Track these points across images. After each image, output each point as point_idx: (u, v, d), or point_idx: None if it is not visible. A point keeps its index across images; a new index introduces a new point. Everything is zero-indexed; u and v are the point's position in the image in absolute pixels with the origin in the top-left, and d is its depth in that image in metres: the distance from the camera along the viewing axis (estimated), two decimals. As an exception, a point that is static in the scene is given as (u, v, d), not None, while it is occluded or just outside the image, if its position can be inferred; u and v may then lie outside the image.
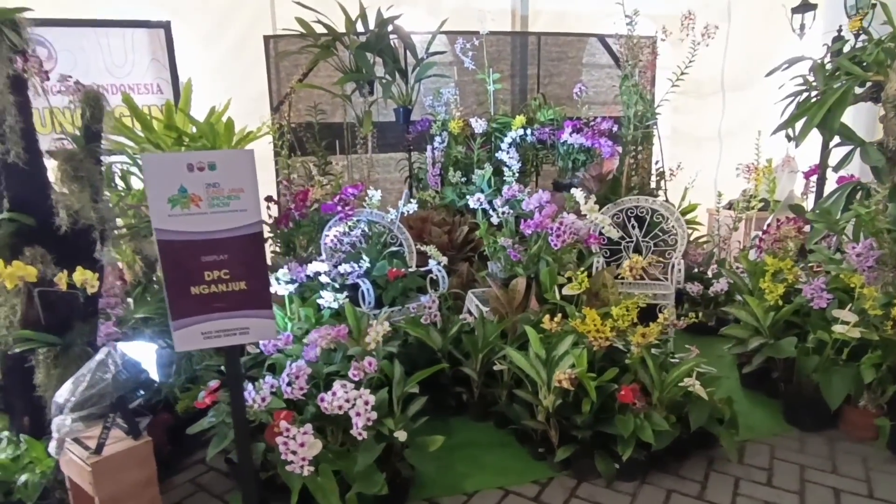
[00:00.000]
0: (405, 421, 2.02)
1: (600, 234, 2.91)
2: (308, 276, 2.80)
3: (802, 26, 4.53)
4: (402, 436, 1.93)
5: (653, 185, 4.82)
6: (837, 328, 2.29)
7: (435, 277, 3.24)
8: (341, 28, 4.19)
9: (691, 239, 4.58)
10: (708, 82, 5.75)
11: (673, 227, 3.68)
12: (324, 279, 2.70)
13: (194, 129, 3.55)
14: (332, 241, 2.97)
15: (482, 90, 4.62)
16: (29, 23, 2.18)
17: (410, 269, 3.21)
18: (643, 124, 4.63)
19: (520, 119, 4.35)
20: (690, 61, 4.39)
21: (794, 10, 3.78)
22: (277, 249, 3.62)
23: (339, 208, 3.34)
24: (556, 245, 2.69)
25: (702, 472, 2.15)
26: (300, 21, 4.26)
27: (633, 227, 3.79)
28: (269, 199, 3.67)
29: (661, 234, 3.72)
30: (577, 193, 3.02)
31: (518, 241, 2.92)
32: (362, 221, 3.19)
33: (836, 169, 2.54)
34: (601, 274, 2.85)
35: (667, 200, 4.94)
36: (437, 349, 2.60)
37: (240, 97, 4.67)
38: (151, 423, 1.99)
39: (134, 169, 3.32)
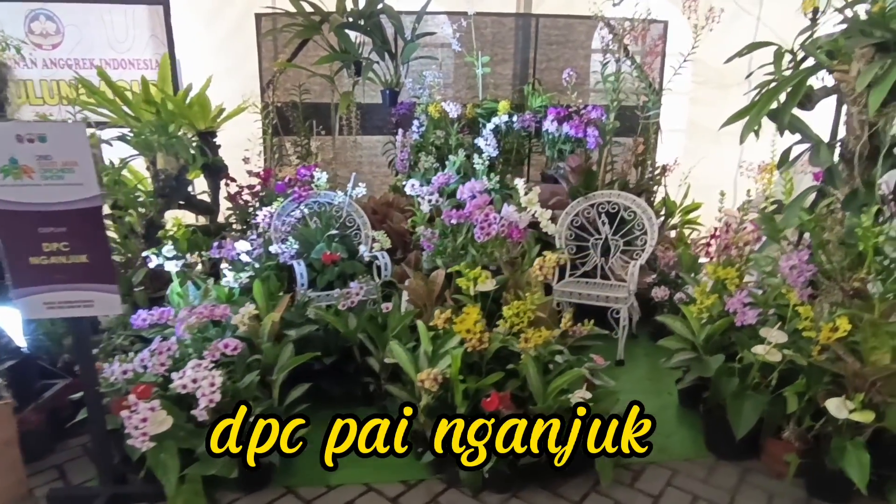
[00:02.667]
0: (269, 406, 1.99)
1: (537, 227, 2.73)
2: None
3: (816, 10, 4.04)
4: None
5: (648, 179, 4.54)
6: (757, 349, 2.04)
7: (379, 264, 3.19)
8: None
9: (691, 240, 4.26)
10: (731, 72, 5.28)
11: (644, 225, 3.42)
12: (244, 258, 2.70)
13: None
14: (264, 221, 2.97)
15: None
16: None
17: (363, 254, 3.17)
18: (644, 114, 4.34)
19: (504, 105, 4.17)
20: (694, 47, 4.04)
21: (807, -7, 3.38)
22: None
23: (296, 189, 3.35)
24: (479, 237, 2.56)
25: (582, 492, 1.99)
26: (292, 0, 4.27)
27: (604, 224, 3.55)
28: (227, 178, 3.70)
29: (634, 232, 3.48)
30: (519, 183, 2.86)
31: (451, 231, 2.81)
32: (303, 203, 3.17)
33: (780, 167, 2.24)
34: (522, 270, 2.68)
35: (666, 197, 4.63)
36: (348, 336, 2.55)
37: (238, 75, 4.78)
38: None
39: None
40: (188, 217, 4.04)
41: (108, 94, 3.57)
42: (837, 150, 2.19)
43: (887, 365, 1.86)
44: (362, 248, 3.21)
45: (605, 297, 3.10)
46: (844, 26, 2.08)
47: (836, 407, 1.83)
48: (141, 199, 3.36)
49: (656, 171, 4.48)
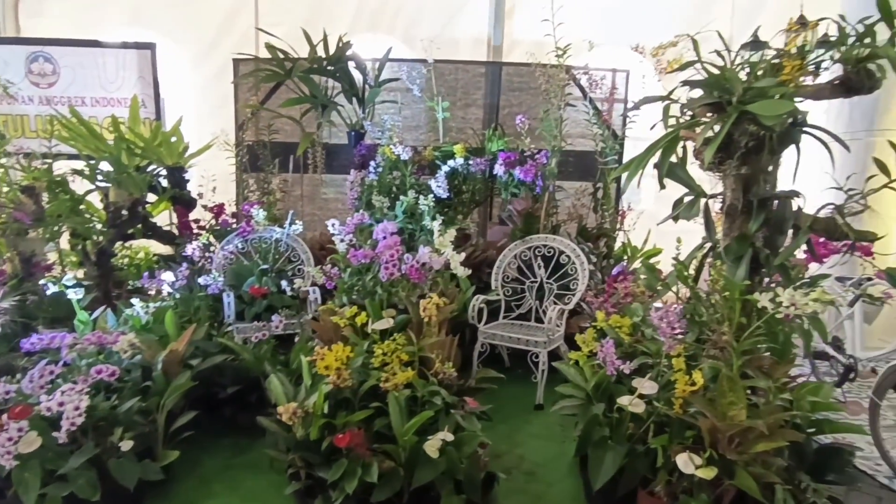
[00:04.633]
0: (133, 433, 2.06)
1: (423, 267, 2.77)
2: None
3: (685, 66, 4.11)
4: (125, 445, 1.99)
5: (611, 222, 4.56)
6: (622, 400, 2.04)
7: (312, 299, 3.28)
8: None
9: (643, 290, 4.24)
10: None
11: (577, 270, 3.45)
12: (166, 289, 2.84)
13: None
14: (193, 253, 3.11)
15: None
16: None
17: (301, 287, 3.28)
18: (603, 159, 4.41)
19: (459, 148, 4.30)
20: (644, 96, 4.12)
21: (744, 47, 3.45)
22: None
23: (243, 224, 3.51)
24: (384, 277, 2.64)
25: (438, 534, 1.98)
26: (268, 46, 4.54)
27: (539, 267, 3.59)
28: (180, 207, 3.89)
29: (569, 276, 3.50)
30: (435, 225, 2.94)
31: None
32: (236, 237, 3.31)
33: (675, 219, 2.27)
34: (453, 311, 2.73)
35: (627, 242, 4.64)
36: (252, 367, 2.63)
37: (221, 115, 5.08)
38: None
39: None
40: (159, 246, 4.27)
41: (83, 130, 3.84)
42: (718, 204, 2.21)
43: (741, 421, 1.83)
44: (297, 283, 3.32)
45: (526, 341, 3.11)
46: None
47: (684, 462, 1.81)
48: (97, 229, 3.57)
49: (616, 216, 4.52)
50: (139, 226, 3.74)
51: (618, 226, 4.55)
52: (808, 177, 2.22)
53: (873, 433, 2.56)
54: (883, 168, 1.83)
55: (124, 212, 3.48)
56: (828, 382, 3.17)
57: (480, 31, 5.31)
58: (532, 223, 3.79)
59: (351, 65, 4.50)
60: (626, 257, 4.49)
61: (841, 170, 2.31)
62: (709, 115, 1.89)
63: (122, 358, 2.30)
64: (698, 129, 1.84)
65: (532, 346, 3.09)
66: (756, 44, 1.99)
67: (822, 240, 2.59)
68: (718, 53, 1.91)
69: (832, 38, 1.79)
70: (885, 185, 1.85)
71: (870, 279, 2.96)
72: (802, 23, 2.03)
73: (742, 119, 1.76)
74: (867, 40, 1.71)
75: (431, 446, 1.90)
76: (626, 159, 4.73)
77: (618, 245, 4.55)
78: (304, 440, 2.06)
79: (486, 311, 3.31)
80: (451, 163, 4.22)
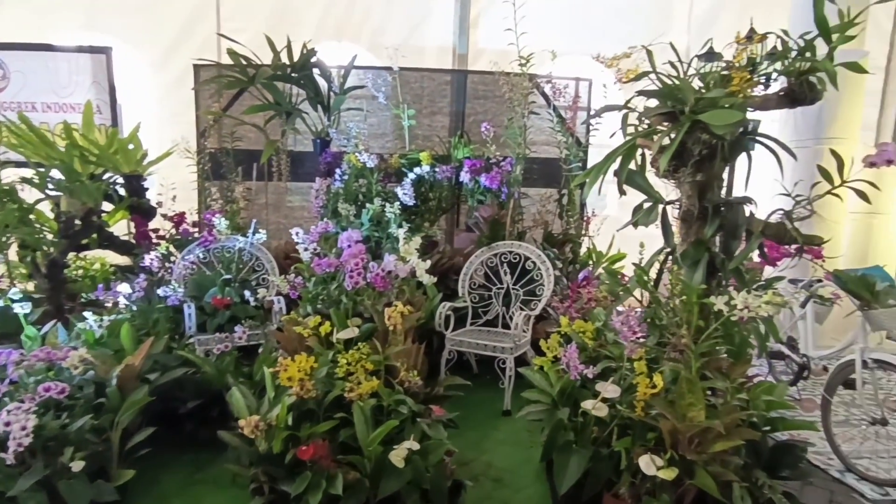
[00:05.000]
0: (84, 453, 1.98)
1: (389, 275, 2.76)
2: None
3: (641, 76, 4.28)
4: (76, 466, 1.90)
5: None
6: (586, 403, 2.07)
7: (277, 309, 3.22)
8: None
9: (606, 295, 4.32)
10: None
11: (542, 276, 3.49)
12: (122, 301, 2.74)
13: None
14: (151, 263, 3.02)
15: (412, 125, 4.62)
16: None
17: (265, 297, 3.21)
18: (567, 166, 4.49)
19: (425, 156, 4.31)
20: (605, 105, 4.22)
21: (698, 58, 3.56)
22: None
23: (205, 234, 3.43)
24: (349, 285, 2.62)
25: (406, 545, 1.97)
26: (230, 52, 4.46)
27: (505, 274, 3.62)
28: (138, 216, 3.78)
29: (535, 282, 3.54)
30: (400, 233, 2.94)
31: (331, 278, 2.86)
32: (198, 247, 3.24)
33: (635, 225, 2.32)
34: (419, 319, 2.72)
35: (591, 247, 4.72)
36: (213, 380, 2.56)
37: (182, 122, 4.95)
38: None
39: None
40: (116, 257, 4.13)
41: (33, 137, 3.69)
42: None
43: (701, 422, 1.88)
44: (261, 292, 3.25)
45: (493, 347, 3.12)
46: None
47: (646, 464, 1.84)
48: (47, 240, 3.42)
49: (581, 222, 4.60)
50: (94, 236, 3.61)
51: (583, 231, 4.63)
52: (760, 184, 2.32)
53: (825, 429, 2.66)
54: (826, 175, 1.92)
55: (77, 221, 3.35)
56: (784, 381, 3.29)
57: (446, 39, 5.35)
58: (498, 230, 3.82)
59: (316, 72, 4.46)
60: (591, 262, 4.57)
61: (790, 177, 2.42)
62: (664, 124, 1.95)
63: (73, 374, 2.20)
64: (655, 138, 1.89)
65: (499, 352, 3.10)
66: (710, 55, 2.06)
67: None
68: (672, 65, 1.97)
69: (778, 52, 1.88)
70: (828, 192, 1.93)
71: (819, 281, 3.09)
72: (749, 37, 2.12)
73: (695, 128, 1.83)
74: (808, 54, 1.80)
75: (397, 456, 1.89)
76: (589, 166, 4.85)
77: (583, 250, 4.63)
78: (267, 454, 2.01)
79: (453, 318, 3.31)
80: (417, 170, 4.22)
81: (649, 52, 2.00)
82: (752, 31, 2.42)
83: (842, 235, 4.30)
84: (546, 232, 4.39)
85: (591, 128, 4.62)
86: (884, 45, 5.57)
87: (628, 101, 2.08)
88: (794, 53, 1.83)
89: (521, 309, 3.43)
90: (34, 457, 1.93)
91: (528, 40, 4.02)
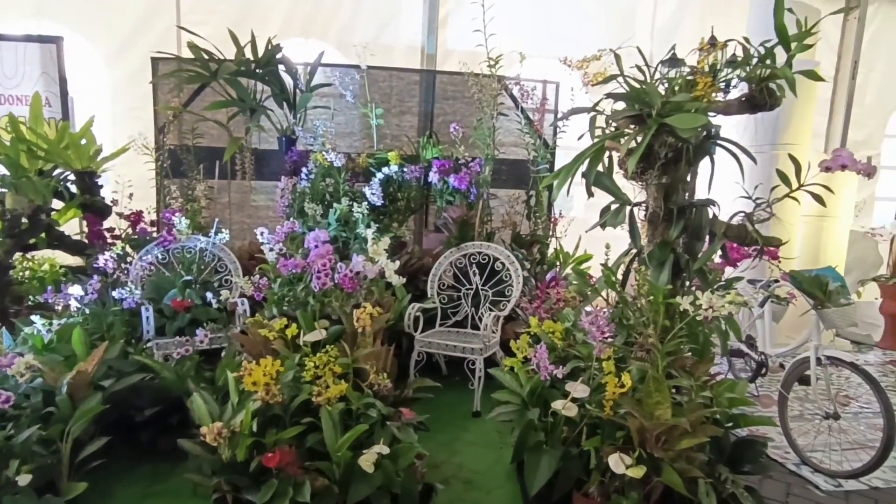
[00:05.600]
0: (31, 466, 1.86)
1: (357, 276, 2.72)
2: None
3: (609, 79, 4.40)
4: (22, 480, 1.79)
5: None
6: (556, 404, 2.08)
7: (240, 311, 3.12)
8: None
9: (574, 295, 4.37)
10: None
11: (511, 276, 3.50)
12: (73, 304, 2.61)
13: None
14: (105, 264, 2.89)
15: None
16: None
17: (228, 299, 3.10)
18: (535, 167, 4.52)
19: (394, 155, 4.27)
20: (572, 108, 4.27)
21: (663, 64, 3.65)
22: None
23: (164, 233, 3.29)
24: (316, 287, 2.56)
25: (375, 552, 1.93)
26: (191, 46, 4.30)
27: (475, 274, 3.62)
28: (91, 215, 3.61)
29: (504, 283, 3.55)
30: (368, 233, 2.89)
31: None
32: (156, 247, 3.11)
33: (603, 226, 2.36)
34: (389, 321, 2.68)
35: (559, 248, 4.77)
36: (172, 387, 2.46)
37: (139, 118, 4.76)
38: None
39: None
40: (66, 258, 3.92)
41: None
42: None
43: (667, 420, 1.91)
44: (223, 294, 3.15)
45: (462, 348, 3.11)
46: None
47: (615, 462, 1.86)
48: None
49: (548, 223, 4.64)
50: (43, 235, 3.42)
51: (550, 232, 4.68)
52: (720, 187, 2.38)
53: (782, 424, 2.76)
54: (784, 179, 1.98)
55: (24, 220, 3.17)
56: (743, 378, 3.40)
57: (414, 39, 5.32)
58: (467, 231, 3.82)
59: (281, 68, 4.36)
60: (558, 263, 4.62)
61: (748, 181, 2.49)
62: (631, 126, 1.98)
63: (18, 382, 2.07)
64: (622, 140, 1.91)
65: (468, 353, 3.09)
66: (673, 61, 2.11)
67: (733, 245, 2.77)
68: (639, 68, 2.00)
69: (739, 59, 1.93)
70: (787, 195, 2.00)
71: (776, 281, 3.21)
72: (713, 43, 2.17)
73: (661, 131, 1.86)
74: (768, 61, 1.86)
75: (367, 461, 1.85)
76: (557, 168, 4.91)
77: (550, 251, 4.68)
78: (231, 462, 1.94)
79: (422, 320, 3.28)
80: (385, 170, 4.18)
81: (617, 56, 2.03)
82: (713, 38, 2.49)
83: (796, 237, 4.48)
84: (514, 233, 4.42)
85: (558, 130, 4.67)
86: (832, 56, 5.85)
87: (596, 104, 2.10)
88: (754, 60, 1.88)
89: (490, 310, 3.43)
90: (-25, 471, 1.81)
91: (496, 42, 4.04)
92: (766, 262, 3.46)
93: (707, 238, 2.18)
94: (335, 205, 3.95)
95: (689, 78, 1.92)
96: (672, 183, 2.17)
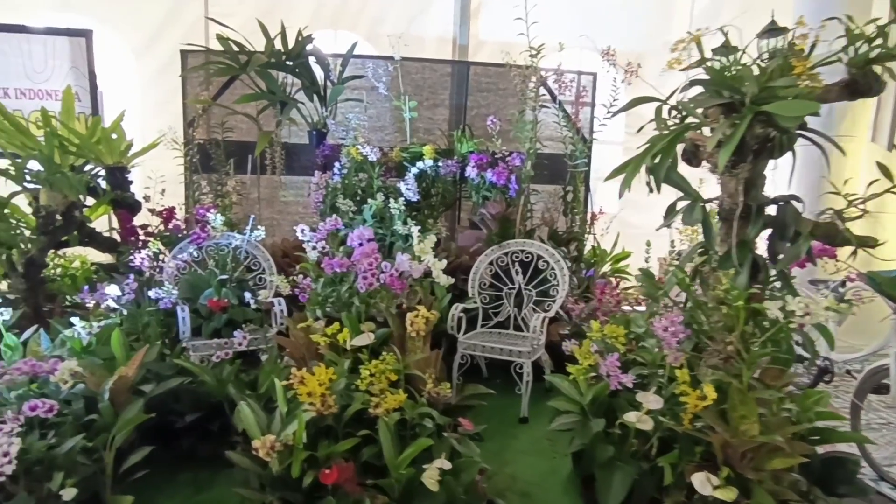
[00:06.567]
0: (76, 478, 1.76)
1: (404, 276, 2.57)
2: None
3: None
4: (67, 494, 1.69)
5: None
6: (629, 416, 1.93)
7: (277, 311, 3.01)
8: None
9: (619, 292, 4.19)
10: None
11: (556, 275, 3.35)
12: (111, 304, 2.51)
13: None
14: (142, 262, 2.79)
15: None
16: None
17: (249, 300, 2.99)
18: (572, 162, 4.35)
19: (428, 149, 4.13)
20: (615, 100, 4.09)
21: (760, 36, 3.33)
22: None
23: (197, 230, 3.19)
24: (362, 287, 2.43)
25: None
26: (220, 38, 4.20)
27: (517, 273, 3.47)
28: (123, 211, 3.52)
29: (548, 282, 3.39)
30: (414, 231, 2.76)
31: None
32: (190, 245, 3.01)
33: (664, 226, 2.19)
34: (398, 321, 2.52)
35: (596, 246, 4.61)
36: (213, 391, 2.35)
37: (168, 111, 4.67)
38: None
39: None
40: (97, 255, 3.85)
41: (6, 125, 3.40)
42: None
43: (755, 436, 1.75)
44: (261, 294, 3.04)
45: (509, 351, 2.97)
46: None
47: (701, 482, 1.71)
48: (24, 236, 3.15)
49: (587, 220, 4.48)
50: (75, 232, 3.34)
51: (588, 229, 4.51)
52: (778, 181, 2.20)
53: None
54: (886, 173, 1.80)
55: (58, 217, 3.08)
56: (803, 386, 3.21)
57: (446, 30, 5.16)
58: (508, 227, 3.66)
59: (311, 60, 4.24)
60: (594, 261, 4.46)
61: (806, 173, 2.30)
62: (721, 116, 1.80)
63: (60, 388, 1.97)
64: (709, 131, 1.75)
65: (516, 356, 2.95)
66: (773, 31, 1.91)
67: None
68: (726, 49, 1.83)
69: (850, 36, 1.73)
70: (888, 190, 1.82)
71: (844, 283, 3.01)
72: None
73: (754, 120, 1.69)
74: (879, 41, 1.67)
75: (430, 477, 1.72)
76: (594, 163, 4.73)
77: (587, 249, 4.52)
78: (282, 477, 1.82)
79: (464, 321, 3.14)
80: (420, 164, 4.04)
81: (698, 41, 1.86)
82: (773, 22, 2.30)
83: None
84: (551, 230, 4.26)
85: (598, 123, 4.48)
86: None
87: (673, 93, 1.93)
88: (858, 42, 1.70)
89: (535, 310, 3.28)
90: (16, 483, 1.71)
91: (532, 32, 3.87)
92: (823, 260, 3.27)
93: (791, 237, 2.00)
94: (369, 200, 3.83)
95: (787, 60, 1.74)
96: (751, 177, 1.99)
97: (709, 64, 1.81)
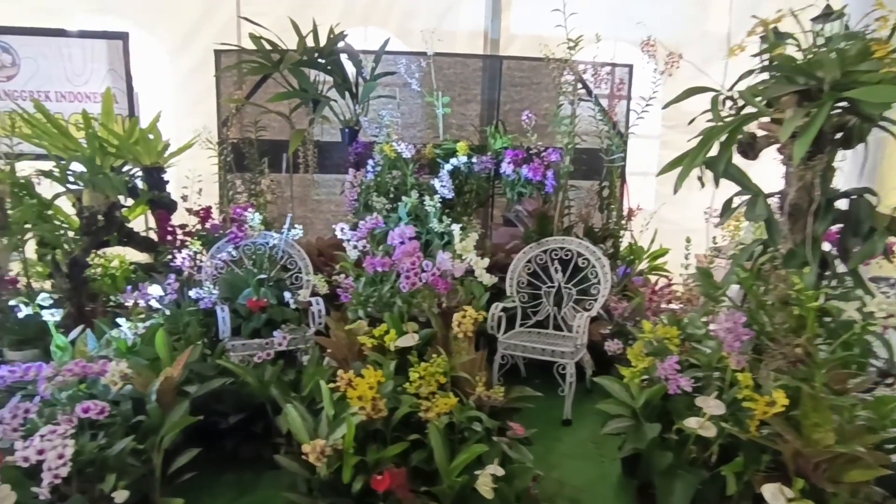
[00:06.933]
0: (127, 480, 1.75)
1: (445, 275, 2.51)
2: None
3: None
4: (119, 496, 1.68)
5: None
6: (690, 422, 1.83)
7: (315, 311, 2.99)
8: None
9: (658, 289, 4.07)
10: (701, 115, 5.24)
11: (597, 273, 3.25)
12: (154, 304, 2.51)
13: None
14: (183, 262, 2.79)
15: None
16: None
17: (288, 300, 2.97)
18: (608, 157, 4.24)
19: (462, 146, 4.06)
20: (654, 92, 3.96)
21: (815, 20, 3.17)
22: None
23: (234, 230, 3.19)
24: (405, 287, 2.38)
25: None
26: (252, 37, 4.20)
27: (557, 271, 3.38)
28: (161, 211, 3.55)
29: (588, 280, 3.30)
30: (455, 229, 2.70)
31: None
32: (228, 244, 3.00)
33: (721, 217, 2.08)
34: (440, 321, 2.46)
35: (633, 242, 4.49)
36: (257, 392, 2.33)
37: (202, 111, 4.69)
38: None
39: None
40: (135, 254, 3.89)
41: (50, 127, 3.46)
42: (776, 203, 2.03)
43: (830, 446, 1.65)
44: (300, 293, 3.03)
45: (551, 351, 2.89)
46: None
47: (773, 494, 1.61)
48: (68, 237, 3.19)
49: (623, 216, 4.36)
50: (115, 232, 3.38)
51: (625, 225, 4.39)
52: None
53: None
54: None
55: (100, 217, 3.11)
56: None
57: (477, 24, 5.08)
58: (545, 224, 3.58)
59: (343, 57, 4.21)
60: (630, 258, 4.35)
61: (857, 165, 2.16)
62: (795, 104, 1.69)
63: (109, 389, 1.97)
64: (785, 120, 1.64)
65: (558, 356, 2.87)
66: (827, 16, 1.79)
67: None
68: (794, 38, 1.72)
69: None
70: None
71: (907, 280, 2.85)
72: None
73: (832, 108, 1.58)
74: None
75: (485, 485, 1.66)
76: (630, 158, 4.60)
77: (623, 245, 4.40)
78: (331, 481, 1.78)
79: (504, 320, 3.08)
80: (454, 161, 3.98)
81: (766, 25, 1.75)
82: (828, 6, 2.16)
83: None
84: (587, 226, 4.16)
85: (636, 116, 4.35)
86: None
87: (738, 80, 1.83)
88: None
89: (576, 309, 3.19)
90: (69, 484, 1.71)
91: (567, 24, 3.77)
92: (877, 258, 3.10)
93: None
94: (403, 198, 3.78)
95: (866, 43, 1.62)
96: (822, 170, 1.87)
97: (780, 50, 1.70)
